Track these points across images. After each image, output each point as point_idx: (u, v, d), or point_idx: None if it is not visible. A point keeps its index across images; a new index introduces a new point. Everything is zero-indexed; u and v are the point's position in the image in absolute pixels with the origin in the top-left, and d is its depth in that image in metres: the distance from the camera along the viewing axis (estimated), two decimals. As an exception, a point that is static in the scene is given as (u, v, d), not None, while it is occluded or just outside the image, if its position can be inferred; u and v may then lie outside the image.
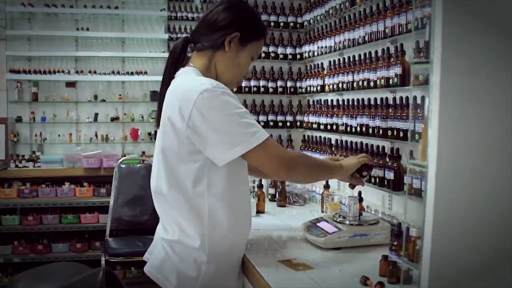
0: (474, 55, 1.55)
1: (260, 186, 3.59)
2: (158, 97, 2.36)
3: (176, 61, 2.36)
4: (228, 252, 2.27)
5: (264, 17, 4.47)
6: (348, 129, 3.51)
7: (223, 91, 2.11)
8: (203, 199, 2.18)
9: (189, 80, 2.22)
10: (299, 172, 2.24)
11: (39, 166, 6.27)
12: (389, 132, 2.99)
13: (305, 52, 4.43)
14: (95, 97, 6.88)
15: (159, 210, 2.34)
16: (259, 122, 4.40)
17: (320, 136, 4.09)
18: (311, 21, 4.29)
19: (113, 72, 6.86)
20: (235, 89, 4.31)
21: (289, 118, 4.55)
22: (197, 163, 2.16)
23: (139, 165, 5.79)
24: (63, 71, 6.77)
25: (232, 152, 2.08)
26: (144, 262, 2.42)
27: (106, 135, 6.89)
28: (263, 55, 4.48)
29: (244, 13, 2.37)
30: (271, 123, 4.51)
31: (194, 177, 2.17)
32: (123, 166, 5.75)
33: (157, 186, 2.28)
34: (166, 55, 7.28)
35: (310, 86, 4.27)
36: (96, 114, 6.89)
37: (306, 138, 4.41)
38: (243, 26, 2.32)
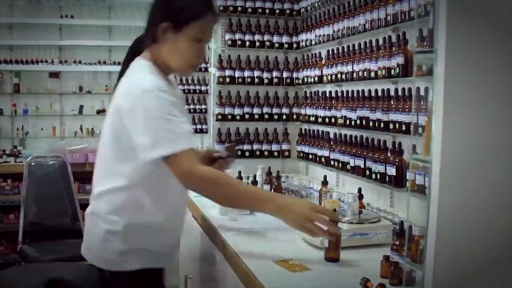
0: (481, 43, 1.54)
1: (255, 182, 3.59)
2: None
3: (127, 60, 2.50)
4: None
5: (258, 4, 4.46)
6: (347, 122, 3.50)
7: (157, 94, 2.23)
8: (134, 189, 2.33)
9: (134, 76, 2.37)
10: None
11: (21, 162, 6.25)
12: (391, 126, 2.99)
13: (302, 40, 4.41)
14: (80, 88, 6.88)
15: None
16: (253, 114, 4.42)
17: (318, 130, 4.09)
18: (308, 7, 4.28)
19: (99, 62, 6.86)
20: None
21: (285, 110, 4.54)
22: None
23: (52, 161, 5.54)
24: (46, 61, 6.76)
25: (146, 155, 2.23)
26: None
27: (92, 129, 6.90)
28: (257, 44, 4.47)
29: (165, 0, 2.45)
30: (266, 116, 4.49)
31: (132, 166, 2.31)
32: (34, 164, 5.43)
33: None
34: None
35: (307, 76, 4.26)
36: (81, 107, 6.89)
37: (303, 131, 4.40)
38: (170, 12, 2.37)
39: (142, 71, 2.36)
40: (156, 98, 2.22)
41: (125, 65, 2.47)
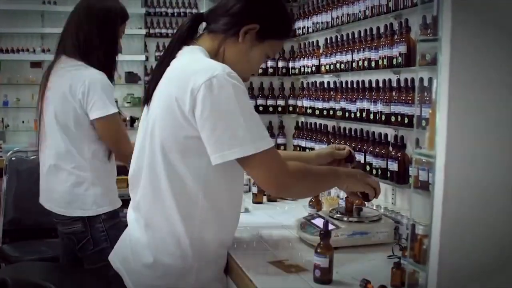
0: (488, 31, 1.54)
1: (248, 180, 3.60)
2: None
3: (182, 39, 2.32)
4: (214, 251, 2.29)
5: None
6: (347, 114, 3.50)
7: (234, 83, 2.06)
8: (197, 196, 2.18)
9: (198, 60, 2.21)
10: (292, 192, 2.39)
11: (1, 156, 6.24)
12: (393, 118, 2.98)
13: (299, 28, 4.40)
14: (64, 79, 6.84)
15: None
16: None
17: (315, 123, 4.09)
18: (305, -7, 4.28)
19: (83, 51, 6.82)
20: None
21: (280, 102, 4.54)
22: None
23: (34, 156, 5.32)
24: (27, 50, 6.74)
25: (223, 155, 2.05)
26: None
27: (76, 122, 6.86)
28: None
29: (271, 5, 2.35)
30: (261, 108, 4.49)
31: (194, 171, 2.17)
32: (14, 158, 5.32)
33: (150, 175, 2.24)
34: (143, 32, 7.33)
35: (304, 66, 4.25)
36: (65, 98, 6.85)
37: (299, 124, 4.40)
38: (266, 20, 2.29)
39: (203, 56, 2.24)
40: (235, 87, 2.06)
41: (178, 45, 2.30)
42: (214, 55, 2.28)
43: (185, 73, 2.13)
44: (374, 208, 2.98)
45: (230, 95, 2.03)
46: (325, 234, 2.17)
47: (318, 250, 2.12)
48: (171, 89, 2.15)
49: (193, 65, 2.17)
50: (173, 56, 2.27)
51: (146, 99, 2.31)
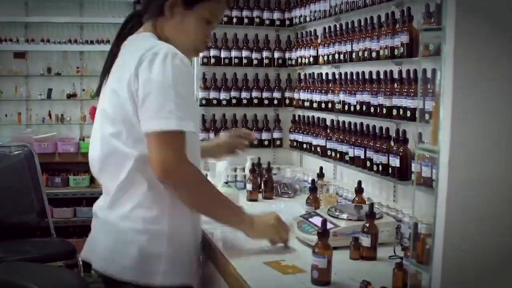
0: (494, 20, 1.53)
1: (253, 171, 3.60)
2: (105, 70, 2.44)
3: (124, 35, 2.46)
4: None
5: (247, -24, 4.44)
6: (346, 107, 3.50)
7: (177, 63, 2.19)
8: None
9: (146, 42, 2.31)
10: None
11: (-17, 152, 6.24)
12: (394, 111, 2.98)
13: (295, 17, 4.40)
14: (49, 70, 6.84)
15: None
16: (241, 99, 4.40)
17: (313, 116, 4.09)
18: (303, -20, 4.27)
19: (69, 41, 6.82)
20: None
21: (276, 94, 4.54)
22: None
23: (17, 151, 5.45)
24: (10, 40, 6.71)
25: (146, 124, 2.18)
26: None
27: (62, 115, 6.86)
28: (245, 20, 4.45)
29: None
30: (256, 101, 4.48)
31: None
32: None
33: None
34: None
35: (301, 57, 4.25)
36: (50, 90, 6.84)
37: (296, 118, 4.40)
38: None
39: (152, 40, 2.34)
40: (175, 66, 2.19)
41: (120, 41, 2.45)
42: (158, 39, 2.38)
43: (132, 54, 2.25)
44: (375, 206, 2.98)
45: (168, 72, 2.16)
46: (323, 233, 2.17)
47: (316, 250, 2.12)
48: (119, 72, 2.31)
49: (140, 44, 2.29)
50: (118, 49, 2.42)
51: (97, 93, 2.48)
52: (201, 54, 4.40)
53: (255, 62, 4.48)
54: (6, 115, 6.78)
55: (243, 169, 3.74)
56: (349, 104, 3.46)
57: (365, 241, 2.42)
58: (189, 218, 2.36)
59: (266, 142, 4.49)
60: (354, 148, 3.37)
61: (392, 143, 3.04)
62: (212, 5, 2.42)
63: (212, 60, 4.41)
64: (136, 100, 2.19)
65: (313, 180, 3.28)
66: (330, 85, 3.79)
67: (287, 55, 4.52)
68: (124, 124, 2.24)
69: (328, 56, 3.79)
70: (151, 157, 2.17)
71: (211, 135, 4.33)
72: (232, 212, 2.44)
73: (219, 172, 3.45)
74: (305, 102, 4.15)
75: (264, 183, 3.68)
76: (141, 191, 2.27)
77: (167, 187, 2.23)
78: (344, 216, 2.64)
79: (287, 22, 4.52)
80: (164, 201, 2.28)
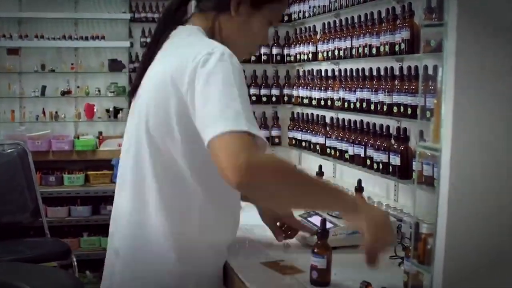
0: (497, 15, 1.53)
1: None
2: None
3: (170, 21, 2.24)
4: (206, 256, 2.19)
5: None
6: (346, 105, 3.50)
7: (234, 62, 1.96)
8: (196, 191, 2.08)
9: (197, 39, 2.13)
10: (262, 190, 1.90)
11: (-25, 150, 6.23)
12: (395, 109, 2.98)
13: (294, 12, 4.40)
14: (43, 66, 6.84)
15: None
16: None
17: (312, 114, 4.09)
18: (302, -25, 4.27)
19: (64, 37, 6.82)
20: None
21: (274, 91, 4.54)
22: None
23: (10, 150, 5.44)
24: (4, 36, 6.71)
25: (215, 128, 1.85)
26: None
27: (56, 112, 6.86)
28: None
29: None
30: (253, 98, 4.48)
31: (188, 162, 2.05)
32: None
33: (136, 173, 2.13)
34: (127, 16, 7.31)
35: (300, 53, 4.25)
36: (44, 87, 6.85)
37: (295, 115, 4.40)
38: None
39: (204, 38, 2.15)
40: (234, 66, 1.93)
41: (159, 37, 2.21)
42: (210, 35, 2.20)
43: (183, 52, 2.05)
44: (375, 205, 2.98)
45: (228, 71, 1.91)
46: (323, 233, 2.16)
47: (315, 250, 2.12)
48: (165, 69, 2.05)
49: (191, 43, 2.10)
50: (163, 39, 2.20)
51: (133, 89, 2.22)
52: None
53: (253, 58, 4.48)
54: (-1, 113, 6.78)
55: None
56: (349, 101, 3.46)
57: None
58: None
59: (264, 140, 4.48)
60: (354, 146, 3.37)
61: (392, 141, 3.04)
62: (277, 6, 2.29)
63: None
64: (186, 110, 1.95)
65: (312, 179, 3.28)
66: (330, 82, 3.80)
67: (285, 51, 4.52)
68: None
69: (327, 52, 3.79)
70: (220, 166, 1.80)
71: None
72: (331, 198, 2.04)
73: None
74: (304, 99, 4.14)
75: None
76: None
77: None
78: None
79: (286, 18, 4.51)
80: None
